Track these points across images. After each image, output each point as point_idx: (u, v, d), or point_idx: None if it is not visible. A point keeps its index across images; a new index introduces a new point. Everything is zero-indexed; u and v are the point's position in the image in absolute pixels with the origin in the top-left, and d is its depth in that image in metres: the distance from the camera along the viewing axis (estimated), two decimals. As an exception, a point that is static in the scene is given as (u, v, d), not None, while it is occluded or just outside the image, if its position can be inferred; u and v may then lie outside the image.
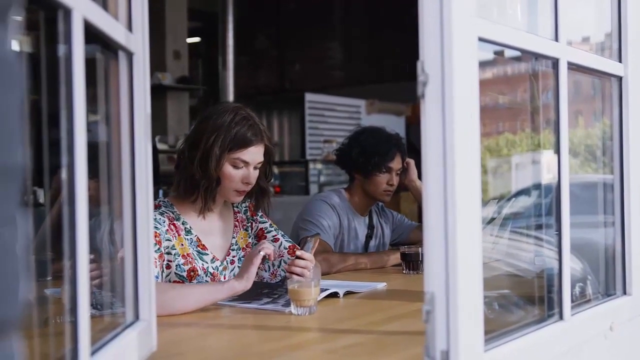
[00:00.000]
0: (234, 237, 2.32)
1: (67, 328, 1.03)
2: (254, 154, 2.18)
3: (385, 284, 2.36)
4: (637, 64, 1.82)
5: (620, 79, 1.80)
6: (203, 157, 2.14)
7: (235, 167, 2.17)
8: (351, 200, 3.07)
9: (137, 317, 1.36)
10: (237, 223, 2.35)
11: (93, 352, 1.08)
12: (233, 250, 2.31)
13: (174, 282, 2.12)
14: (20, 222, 0.61)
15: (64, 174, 1.00)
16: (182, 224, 2.21)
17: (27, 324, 0.97)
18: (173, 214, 2.20)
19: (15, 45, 0.64)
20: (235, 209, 2.38)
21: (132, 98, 1.35)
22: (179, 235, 2.17)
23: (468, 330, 1.17)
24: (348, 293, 2.17)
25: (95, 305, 1.35)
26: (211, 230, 2.27)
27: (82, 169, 1.01)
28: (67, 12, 0.99)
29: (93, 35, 1.12)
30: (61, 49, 1.01)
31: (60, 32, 1.00)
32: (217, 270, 2.23)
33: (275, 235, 2.37)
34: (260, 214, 2.41)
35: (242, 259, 2.29)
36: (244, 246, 2.34)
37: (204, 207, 2.21)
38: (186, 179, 2.19)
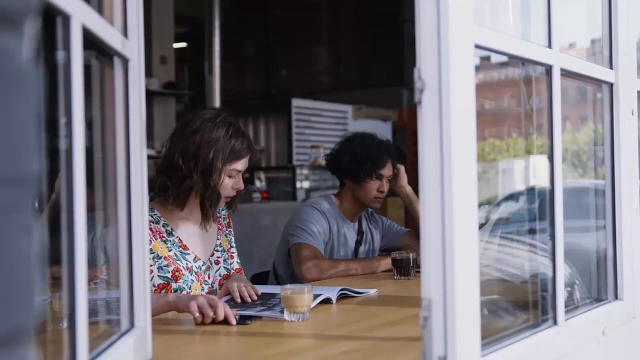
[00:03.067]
0: (218, 239, 2.39)
1: (64, 335, 1.02)
2: (246, 163, 2.30)
3: (376, 290, 2.36)
4: (628, 70, 1.84)
5: (611, 85, 1.81)
6: (205, 172, 2.20)
7: (230, 177, 2.26)
8: (341, 206, 3.07)
9: (132, 324, 1.35)
10: (220, 227, 2.42)
11: (90, 360, 1.07)
12: (217, 251, 2.37)
13: (159, 285, 2.14)
14: (35, 231, 0.61)
15: (62, 180, 0.99)
16: (163, 226, 2.24)
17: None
18: (152, 217, 2.23)
19: (30, 54, 0.64)
20: (217, 213, 2.42)
21: (128, 104, 1.34)
22: (156, 239, 2.21)
23: (465, 336, 1.17)
24: (342, 297, 2.17)
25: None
26: (194, 233, 2.31)
27: (80, 175, 1.00)
28: (66, 19, 0.98)
29: (89, 41, 1.11)
30: (59, 55, 1.00)
31: (58, 38, 0.99)
32: (201, 269, 2.28)
33: (234, 253, 2.47)
34: (232, 227, 2.50)
35: (226, 261, 2.38)
36: (227, 249, 2.41)
37: (208, 219, 2.29)
38: (185, 191, 2.22)
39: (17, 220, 0.58)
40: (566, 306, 1.58)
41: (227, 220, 2.48)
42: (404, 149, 7.31)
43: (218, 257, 2.36)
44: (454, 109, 1.15)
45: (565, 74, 1.59)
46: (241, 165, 2.27)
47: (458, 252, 1.15)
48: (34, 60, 0.64)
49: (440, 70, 1.16)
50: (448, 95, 1.15)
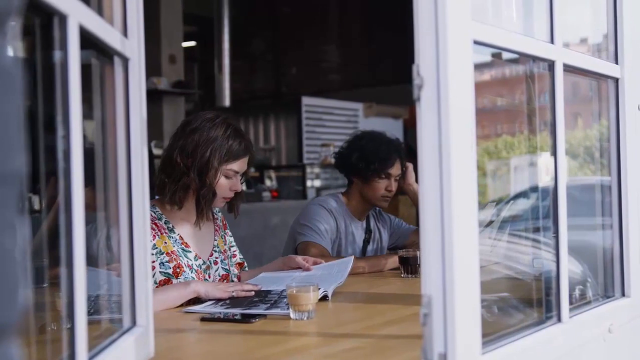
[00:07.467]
0: (215, 240, 2.42)
1: (64, 334, 1.03)
2: (244, 164, 2.33)
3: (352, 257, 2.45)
4: (633, 65, 1.83)
5: (616, 80, 1.80)
6: (201, 170, 2.23)
7: (227, 177, 2.28)
8: (349, 205, 3.07)
9: (134, 322, 1.36)
10: (217, 228, 2.46)
11: (90, 358, 1.07)
12: (216, 252, 2.40)
13: (160, 282, 2.15)
14: (20, 228, 0.62)
15: (60, 180, 0.99)
16: (165, 223, 2.28)
17: (24, 330, 0.97)
18: (155, 213, 2.27)
19: (13, 52, 0.64)
20: (214, 214, 2.48)
21: (128, 103, 1.35)
22: (161, 234, 2.24)
23: (465, 333, 1.17)
24: (337, 294, 2.19)
25: (90, 311, 1.35)
26: (194, 232, 2.34)
27: (78, 175, 1.00)
28: (63, 19, 0.98)
29: (88, 40, 1.11)
30: (57, 55, 1.01)
31: (55, 38, 1.00)
32: (201, 268, 2.31)
33: (235, 251, 2.53)
34: (228, 228, 2.54)
35: (223, 261, 2.41)
36: (223, 250, 2.44)
37: (202, 217, 2.31)
38: (181, 188, 2.25)
39: (1, 217, 0.59)
40: (576, 304, 1.57)
41: (223, 222, 2.52)
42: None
43: (216, 258, 2.39)
44: (453, 106, 1.15)
45: (569, 69, 1.58)
46: (237, 166, 2.29)
47: (457, 248, 1.15)
48: (17, 60, 0.65)
49: (438, 67, 1.15)
50: (447, 92, 1.15)
